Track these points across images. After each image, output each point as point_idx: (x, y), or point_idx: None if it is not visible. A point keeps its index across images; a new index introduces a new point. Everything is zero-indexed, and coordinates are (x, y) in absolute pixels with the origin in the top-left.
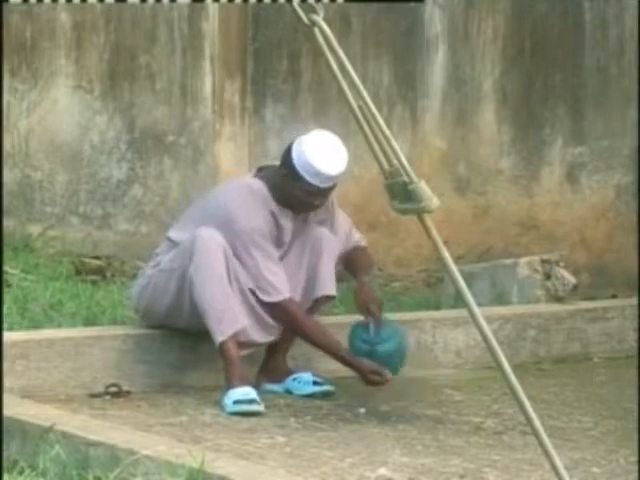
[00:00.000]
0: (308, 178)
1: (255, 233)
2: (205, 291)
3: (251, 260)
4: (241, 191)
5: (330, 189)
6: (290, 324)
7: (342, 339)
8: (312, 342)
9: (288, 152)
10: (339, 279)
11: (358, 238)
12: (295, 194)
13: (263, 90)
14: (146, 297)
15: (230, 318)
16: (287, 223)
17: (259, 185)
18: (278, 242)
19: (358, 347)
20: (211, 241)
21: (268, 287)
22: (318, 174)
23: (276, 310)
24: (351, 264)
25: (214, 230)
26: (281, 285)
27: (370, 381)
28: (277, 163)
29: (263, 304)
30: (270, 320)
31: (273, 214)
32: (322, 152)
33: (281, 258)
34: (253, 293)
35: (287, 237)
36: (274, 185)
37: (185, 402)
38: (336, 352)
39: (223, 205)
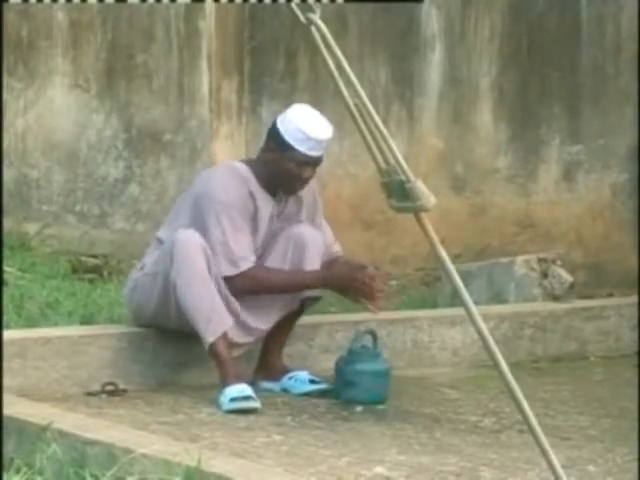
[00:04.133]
0: (297, 145)
1: (228, 204)
2: (190, 293)
3: (219, 230)
4: (220, 170)
5: (317, 160)
6: (262, 287)
7: (339, 338)
8: (291, 289)
9: (273, 126)
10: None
11: (335, 246)
12: (284, 167)
13: (260, 89)
14: (134, 300)
15: (218, 317)
16: (265, 208)
17: (240, 165)
18: (253, 226)
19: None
20: (190, 243)
21: (234, 257)
22: (308, 139)
23: (243, 279)
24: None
25: (192, 231)
26: (247, 254)
27: (360, 287)
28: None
29: (232, 279)
30: (250, 321)
31: (252, 194)
32: (309, 119)
33: (263, 254)
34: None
35: (263, 225)
36: (260, 167)
37: (182, 400)
38: (318, 279)
39: (203, 184)
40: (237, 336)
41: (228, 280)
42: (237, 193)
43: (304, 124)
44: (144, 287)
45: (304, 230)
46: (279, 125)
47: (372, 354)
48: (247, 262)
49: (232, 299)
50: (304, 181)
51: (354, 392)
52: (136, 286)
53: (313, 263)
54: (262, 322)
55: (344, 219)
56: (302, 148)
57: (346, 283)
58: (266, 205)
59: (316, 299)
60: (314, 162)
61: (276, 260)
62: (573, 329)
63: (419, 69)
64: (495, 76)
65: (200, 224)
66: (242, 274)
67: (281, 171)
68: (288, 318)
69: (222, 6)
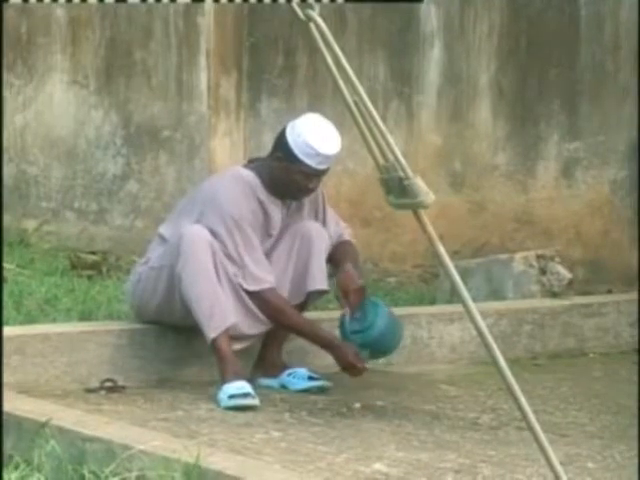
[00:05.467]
0: (306, 159)
1: (240, 220)
2: (193, 288)
3: (234, 248)
4: (229, 179)
5: (324, 171)
6: (270, 313)
7: (339, 334)
8: (294, 330)
9: (282, 136)
10: (330, 274)
11: (343, 230)
12: (291, 178)
13: (258, 85)
14: (138, 294)
15: (220, 314)
16: (276, 213)
17: (248, 173)
18: (265, 232)
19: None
20: (197, 238)
21: (249, 276)
22: (317, 154)
23: (256, 299)
24: (336, 256)
25: (200, 226)
26: (263, 274)
27: (348, 368)
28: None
29: (248, 293)
30: (255, 308)
31: (261, 202)
32: (318, 133)
33: (270, 250)
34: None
35: (275, 228)
36: (266, 172)
37: (180, 397)
38: (319, 338)
39: (210, 193)
40: (248, 328)
41: (255, 301)
42: (247, 206)
43: (313, 139)
44: (148, 280)
45: (311, 226)
46: (288, 137)
47: (362, 316)
48: (266, 283)
49: (241, 291)
50: (310, 191)
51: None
52: (140, 279)
53: (320, 259)
54: None
55: (343, 216)
56: (310, 162)
57: (340, 359)
58: (276, 209)
59: (322, 293)
60: (321, 174)
61: (282, 256)
62: (572, 326)
63: (418, 66)
64: (494, 73)
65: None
66: (259, 294)
67: (287, 181)
68: None
69: (221, 3)
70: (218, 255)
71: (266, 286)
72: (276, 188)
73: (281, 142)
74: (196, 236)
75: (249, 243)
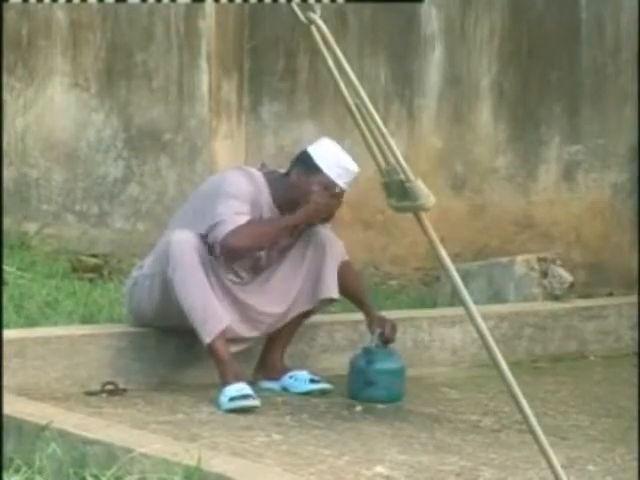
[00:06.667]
0: (332, 175)
1: (238, 199)
2: (185, 294)
3: (224, 206)
4: (235, 171)
5: (339, 194)
6: (252, 241)
7: (339, 338)
8: (277, 234)
9: (305, 154)
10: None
11: (341, 247)
12: (308, 189)
13: (260, 88)
14: (134, 298)
15: (214, 318)
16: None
17: (259, 175)
18: None
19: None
20: (184, 243)
21: (227, 218)
22: (345, 170)
23: (238, 237)
24: (343, 284)
25: (186, 230)
26: (240, 219)
27: (323, 207)
28: (280, 170)
29: (223, 247)
30: (254, 313)
31: (260, 204)
32: (341, 151)
33: (282, 254)
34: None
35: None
36: (279, 185)
37: (181, 400)
38: (294, 221)
39: (216, 180)
40: (244, 330)
41: (226, 250)
42: (248, 192)
43: (341, 156)
44: (143, 287)
45: (324, 233)
46: (312, 153)
47: (387, 352)
48: (238, 220)
49: (235, 290)
50: (328, 218)
51: (375, 391)
52: (136, 284)
53: (333, 267)
54: (275, 305)
55: (344, 219)
56: (331, 174)
57: (322, 209)
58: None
59: (332, 301)
60: (337, 195)
61: (294, 264)
62: (573, 329)
63: (419, 68)
64: (495, 75)
65: (202, 215)
66: (235, 233)
67: (304, 192)
68: (297, 317)
69: (222, 5)
70: (206, 257)
71: (238, 222)
72: (286, 203)
73: (305, 159)
74: (184, 241)
75: (239, 211)
